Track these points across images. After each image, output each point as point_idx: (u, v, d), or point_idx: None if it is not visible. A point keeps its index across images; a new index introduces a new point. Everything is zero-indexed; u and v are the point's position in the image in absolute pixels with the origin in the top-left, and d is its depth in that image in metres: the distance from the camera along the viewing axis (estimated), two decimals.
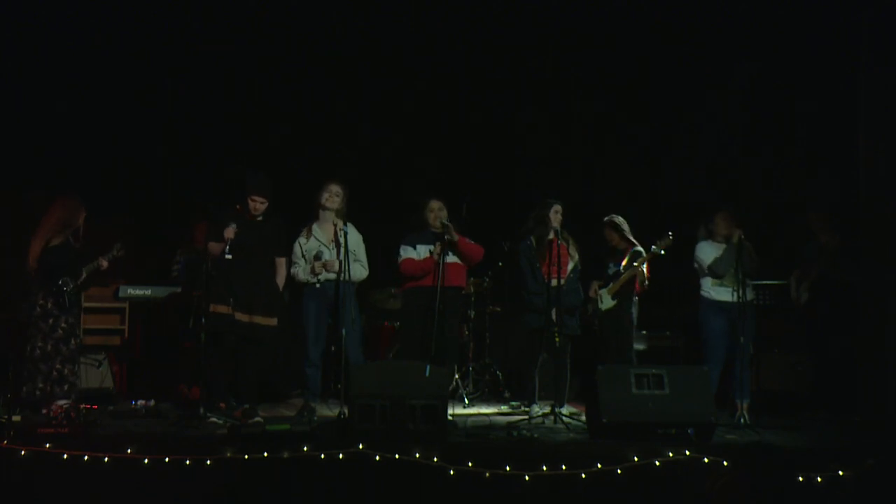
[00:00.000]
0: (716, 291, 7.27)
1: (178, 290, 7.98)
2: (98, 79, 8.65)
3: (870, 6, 7.08)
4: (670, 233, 7.25)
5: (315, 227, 7.21)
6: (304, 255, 7.16)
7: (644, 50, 9.04)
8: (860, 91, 7.16)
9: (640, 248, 7.51)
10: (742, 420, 6.89)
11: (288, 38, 8.97)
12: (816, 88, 8.36)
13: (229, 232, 6.72)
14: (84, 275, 7.03)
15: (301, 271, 7.15)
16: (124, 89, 8.72)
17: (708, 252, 7.32)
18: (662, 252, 7.28)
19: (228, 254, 6.67)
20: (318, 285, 7.08)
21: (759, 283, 7.59)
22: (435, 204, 7.35)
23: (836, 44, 7.60)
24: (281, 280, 7.14)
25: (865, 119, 7.15)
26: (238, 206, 6.99)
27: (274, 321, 6.97)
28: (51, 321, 6.84)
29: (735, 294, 6.97)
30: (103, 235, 7.30)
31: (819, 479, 5.38)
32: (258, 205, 6.95)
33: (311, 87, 9.23)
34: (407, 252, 7.33)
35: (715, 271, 7.26)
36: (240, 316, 6.78)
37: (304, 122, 9.26)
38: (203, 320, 6.57)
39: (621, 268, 7.51)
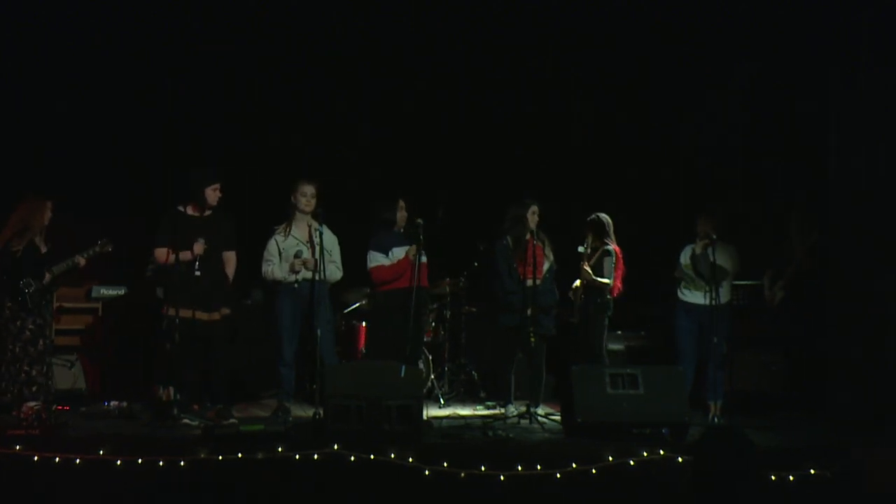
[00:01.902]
0: (684, 294, 7.33)
1: (144, 289, 7.85)
2: (98, 79, 8.65)
3: (870, 6, 7.08)
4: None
5: (292, 225, 7.13)
6: (280, 253, 7.05)
7: (644, 50, 9.03)
8: (861, 91, 7.15)
9: (610, 248, 7.45)
10: (715, 420, 6.91)
11: (288, 38, 8.96)
12: (816, 88, 8.34)
13: (198, 248, 6.68)
14: (53, 275, 6.91)
15: (276, 269, 7.03)
16: (124, 89, 8.71)
17: (684, 255, 7.35)
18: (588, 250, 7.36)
19: (198, 270, 6.63)
20: (296, 285, 6.98)
21: (735, 283, 7.55)
22: (403, 203, 7.32)
23: (836, 44, 7.59)
24: (230, 273, 7.02)
25: (865, 119, 7.14)
26: (184, 208, 6.91)
27: (228, 311, 6.93)
28: (18, 323, 6.79)
29: (707, 297, 6.99)
30: (104, 235, 7.28)
31: (791, 479, 5.43)
32: (219, 192, 6.87)
33: (311, 87, 9.22)
34: (377, 259, 7.26)
35: (682, 275, 7.33)
36: (199, 315, 6.72)
37: (304, 122, 9.25)
38: (176, 321, 6.50)
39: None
